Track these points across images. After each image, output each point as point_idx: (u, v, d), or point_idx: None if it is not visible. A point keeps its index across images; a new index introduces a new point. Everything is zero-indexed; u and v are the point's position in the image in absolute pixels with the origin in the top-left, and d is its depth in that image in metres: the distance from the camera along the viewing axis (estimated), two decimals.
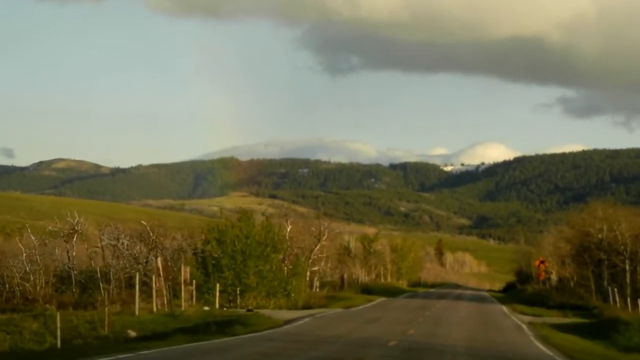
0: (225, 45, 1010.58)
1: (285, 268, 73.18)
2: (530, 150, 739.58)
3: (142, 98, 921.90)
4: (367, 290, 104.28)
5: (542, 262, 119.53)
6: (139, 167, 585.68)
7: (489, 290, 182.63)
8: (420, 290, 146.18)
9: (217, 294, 60.76)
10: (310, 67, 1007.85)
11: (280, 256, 72.76)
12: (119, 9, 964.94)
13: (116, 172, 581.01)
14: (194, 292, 57.45)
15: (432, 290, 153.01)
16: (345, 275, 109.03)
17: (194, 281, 57.60)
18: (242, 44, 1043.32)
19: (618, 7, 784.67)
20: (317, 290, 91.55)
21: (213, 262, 65.06)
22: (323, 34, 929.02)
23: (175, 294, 54.21)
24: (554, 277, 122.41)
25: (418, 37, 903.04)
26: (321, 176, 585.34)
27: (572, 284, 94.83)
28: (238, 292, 64.66)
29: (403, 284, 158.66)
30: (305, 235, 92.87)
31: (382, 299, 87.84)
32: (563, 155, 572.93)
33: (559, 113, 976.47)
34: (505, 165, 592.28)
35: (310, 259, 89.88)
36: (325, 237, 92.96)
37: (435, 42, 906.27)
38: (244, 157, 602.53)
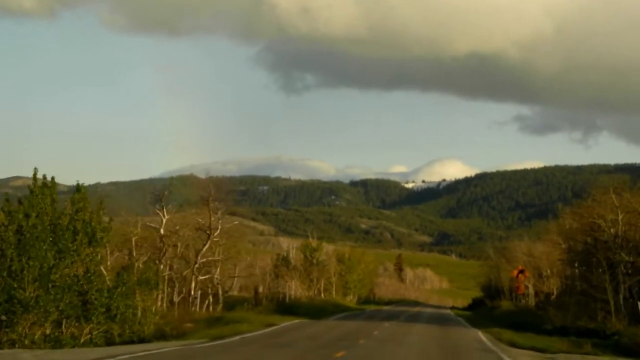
0: (181, 63, 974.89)
1: (108, 274, 42.11)
2: (488, 167, 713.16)
3: (99, 116, 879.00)
4: (288, 308, 73.29)
5: (521, 271, 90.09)
6: (96, 185, 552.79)
7: (452, 308, 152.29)
8: (371, 308, 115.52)
9: None
10: (266, 85, 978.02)
11: (102, 251, 41.67)
12: (73, 26, 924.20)
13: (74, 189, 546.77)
14: None
15: (385, 308, 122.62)
16: (262, 289, 77.42)
17: None
18: (198, 61, 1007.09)
19: (575, 24, 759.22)
20: (200, 308, 60.84)
21: None
22: (279, 51, 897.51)
23: None
24: (530, 290, 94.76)
25: (375, 54, 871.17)
26: (281, 193, 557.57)
27: (572, 299, 63.71)
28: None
29: (352, 300, 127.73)
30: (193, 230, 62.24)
31: (296, 322, 57.13)
32: (524, 171, 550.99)
33: (515, 130, 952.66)
34: (467, 181, 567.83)
35: (196, 263, 58.91)
36: (218, 231, 61.76)
37: (391, 58, 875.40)
38: (202, 175, 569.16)
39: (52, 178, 38.76)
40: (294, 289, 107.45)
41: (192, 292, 58.05)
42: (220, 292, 68.72)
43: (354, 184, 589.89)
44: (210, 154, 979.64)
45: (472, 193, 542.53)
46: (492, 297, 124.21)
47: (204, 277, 61.76)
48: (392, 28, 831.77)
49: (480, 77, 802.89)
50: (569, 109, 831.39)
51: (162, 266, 56.75)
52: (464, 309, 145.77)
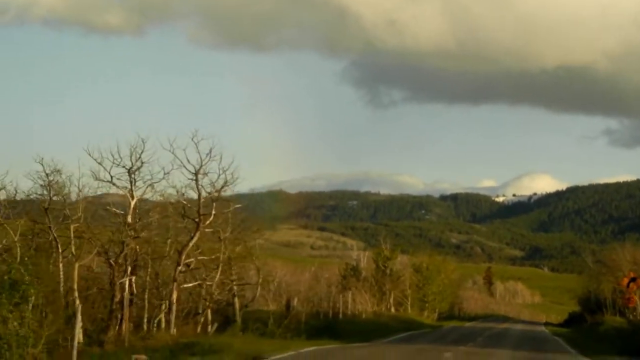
0: (267, 78, 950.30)
1: None
2: (578, 181, 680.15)
3: (186, 131, 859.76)
4: (331, 327, 54.23)
5: (632, 279, 69.57)
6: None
7: (546, 324, 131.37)
8: (450, 325, 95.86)
9: None
10: (352, 100, 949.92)
11: None
12: (161, 43, 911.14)
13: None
14: None
15: (467, 324, 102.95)
16: (296, 302, 57.88)
17: None
18: (284, 77, 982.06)
19: None
20: (202, 328, 42.25)
21: None
22: (365, 66, 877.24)
23: None
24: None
25: (462, 67, 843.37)
26: (371, 208, 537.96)
27: None
28: None
29: (429, 316, 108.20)
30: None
31: (321, 348, 37.89)
32: (617, 184, 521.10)
33: (605, 144, 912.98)
34: (558, 195, 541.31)
35: (179, 264, 40.24)
36: (212, 218, 42.63)
37: (479, 72, 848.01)
38: (291, 191, 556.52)
39: None
40: (362, 303, 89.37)
41: (174, 307, 39.42)
42: (236, 305, 50.11)
43: (443, 198, 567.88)
44: (298, 170, 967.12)
45: (564, 207, 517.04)
46: (593, 311, 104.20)
47: (189, 285, 43.06)
48: (479, 40, 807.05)
49: (569, 90, 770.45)
50: None
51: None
52: (560, 325, 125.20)
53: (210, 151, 41.10)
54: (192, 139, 40.79)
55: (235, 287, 50.95)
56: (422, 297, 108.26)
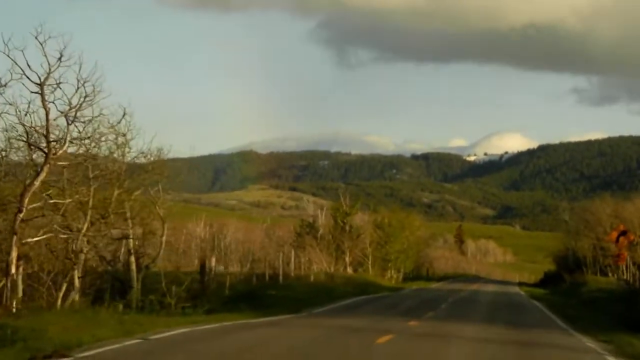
0: (235, 39, 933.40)
1: None
2: (547, 140, 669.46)
3: (155, 93, 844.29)
4: (252, 293, 42.11)
5: (622, 233, 58.09)
6: (156, 162, 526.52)
7: (520, 284, 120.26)
8: (413, 287, 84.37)
9: None
10: (322, 60, 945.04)
11: None
12: (128, 4, 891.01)
13: (134, 167, 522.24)
14: None
15: (433, 286, 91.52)
16: (210, 263, 45.06)
17: None
18: (253, 37, 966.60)
19: None
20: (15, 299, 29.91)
21: None
22: (335, 25, 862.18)
23: None
24: None
25: (431, 25, 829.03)
26: (342, 168, 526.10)
27: None
28: None
29: (392, 277, 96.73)
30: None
31: (213, 326, 25.86)
32: (588, 142, 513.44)
33: (573, 102, 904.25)
34: (529, 154, 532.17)
35: (20, 211, 27.75)
36: (66, 147, 30.04)
37: (448, 30, 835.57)
38: (262, 151, 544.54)
39: None
40: (318, 263, 78.37)
41: (13, 268, 27.21)
42: (133, 267, 37.89)
43: (415, 157, 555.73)
44: (268, 131, 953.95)
45: (535, 165, 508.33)
46: (571, 270, 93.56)
47: (35, 239, 30.60)
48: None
49: (537, 48, 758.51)
50: (627, 80, 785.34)
51: None
52: (535, 285, 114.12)
53: (61, 55, 28.22)
54: (35, 38, 27.92)
55: (131, 243, 38.70)
56: (384, 256, 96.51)
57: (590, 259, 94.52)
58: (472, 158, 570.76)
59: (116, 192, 35.41)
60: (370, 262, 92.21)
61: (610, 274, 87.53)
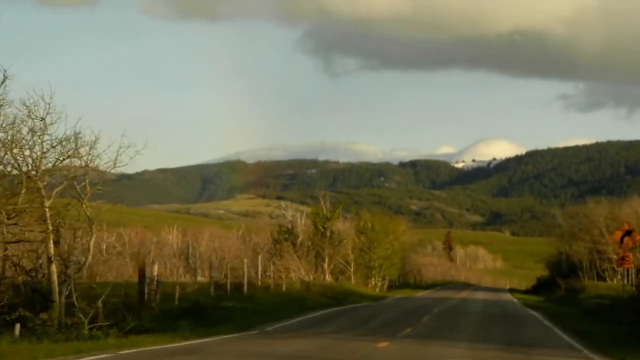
0: (222, 49, 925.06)
1: None
2: (535, 146, 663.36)
3: (144, 104, 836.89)
4: (199, 309, 35.30)
5: (628, 232, 51.61)
6: (144, 173, 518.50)
7: (512, 291, 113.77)
8: (397, 296, 77.87)
9: None
10: (308, 69, 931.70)
11: None
12: (114, 14, 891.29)
13: (121, 177, 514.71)
14: None
15: (418, 294, 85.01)
16: (152, 271, 37.84)
17: None
18: (239, 47, 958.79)
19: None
20: None
21: None
22: (321, 34, 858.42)
23: None
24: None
25: (417, 34, 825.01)
26: (330, 176, 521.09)
27: None
28: None
29: (376, 285, 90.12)
30: None
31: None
32: (576, 148, 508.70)
33: (560, 108, 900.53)
34: (518, 160, 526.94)
35: None
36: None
37: (434, 38, 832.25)
38: (250, 161, 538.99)
39: None
40: (296, 271, 71.91)
41: None
42: (53, 277, 31.01)
43: (402, 165, 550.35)
44: (255, 141, 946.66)
45: (523, 171, 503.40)
46: (565, 275, 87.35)
47: None
48: (434, 5, 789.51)
49: (524, 55, 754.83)
50: (612, 85, 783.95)
51: None
52: (528, 292, 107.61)
53: None
54: None
55: (51, 249, 31.79)
56: (367, 263, 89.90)
57: (586, 263, 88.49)
58: (460, 165, 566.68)
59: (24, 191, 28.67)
60: (352, 270, 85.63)
61: (608, 279, 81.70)
